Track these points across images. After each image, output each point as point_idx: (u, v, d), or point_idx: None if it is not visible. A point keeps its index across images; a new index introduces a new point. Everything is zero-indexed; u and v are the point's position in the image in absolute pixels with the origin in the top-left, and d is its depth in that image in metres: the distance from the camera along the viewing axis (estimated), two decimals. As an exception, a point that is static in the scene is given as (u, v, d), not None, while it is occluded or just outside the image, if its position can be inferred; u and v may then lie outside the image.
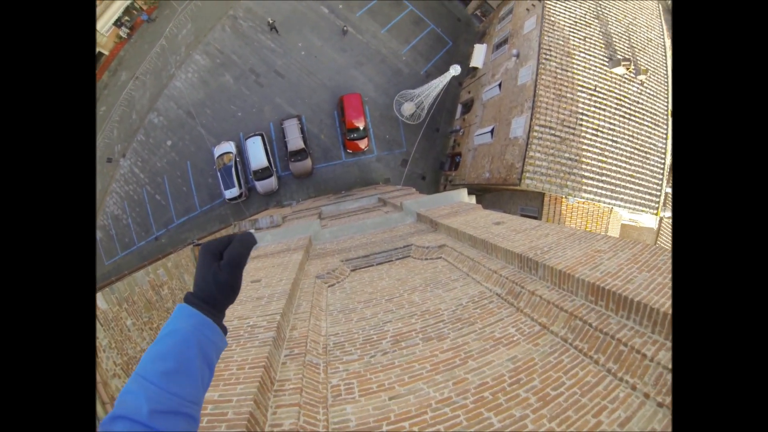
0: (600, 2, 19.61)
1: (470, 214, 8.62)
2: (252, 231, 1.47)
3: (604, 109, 17.25)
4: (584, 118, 16.89)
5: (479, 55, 23.48)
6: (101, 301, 8.64)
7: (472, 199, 10.39)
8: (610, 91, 17.63)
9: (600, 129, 16.98)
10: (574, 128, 16.73)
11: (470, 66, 23.73)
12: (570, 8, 18.85)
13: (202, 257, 1.29)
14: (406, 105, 24.44)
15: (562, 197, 16.77)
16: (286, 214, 14.38)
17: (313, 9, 26.71)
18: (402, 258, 7.35)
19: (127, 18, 27.04)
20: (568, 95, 17.10)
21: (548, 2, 18.70)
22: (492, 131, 19.45)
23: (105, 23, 25.74)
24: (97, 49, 26.17)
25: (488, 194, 20.83)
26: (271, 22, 25.23)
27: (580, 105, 17.01)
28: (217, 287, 1.23)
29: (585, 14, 19.00)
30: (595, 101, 17.25)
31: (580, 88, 17.25)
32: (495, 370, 4.01)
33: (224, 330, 1.29)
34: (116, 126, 25.93)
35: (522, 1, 21.40)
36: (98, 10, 25.30)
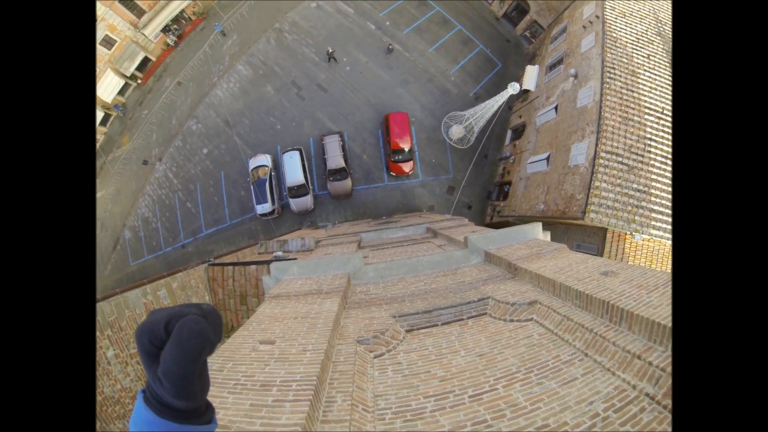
0: (660, 19, 17.69)
1: (558, 257, 6.26)
2: (204, 313, 0.87)
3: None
4: (653, 143, 14.51)
5: (531, 76, 21.25)
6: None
7: (547, 236, 8.02)
8: (679, 113, 15.19)
9: (669, 156, 14.51)
10: (642, 155, 14.31)
11: (522, 89, 21.49)
12: (631, 24, 16.96)
13: (140, 355, 0.87)
14: (455, 128, 22.21)
15: (627, 234, 14.15)
16: (319, 238, 12.27)
17: (359, 25, 25.28)
18: (476, 316, 5.05)
19: (175, 26, 26.35)
20: (635, 118, 14.80)
21: (608, 18, 16.67)
22: (548, 158, 17.01)
23: (153, 29, 24.99)
24: (144, 55, 25.50)
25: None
26: (330, 51, 23.66)
27: (648, 129, 14.68)
28: (167, 400, 0.86)
29: (646, 30, 17.01)
30: (664, 125, 14.93)
31: (647, 110, 14.97)
32: None
33: (207, 418, 0.94)
34: (155, 129, 24.93)
35: (576, 19, 19.35)
36: (147, 16, 24.69)
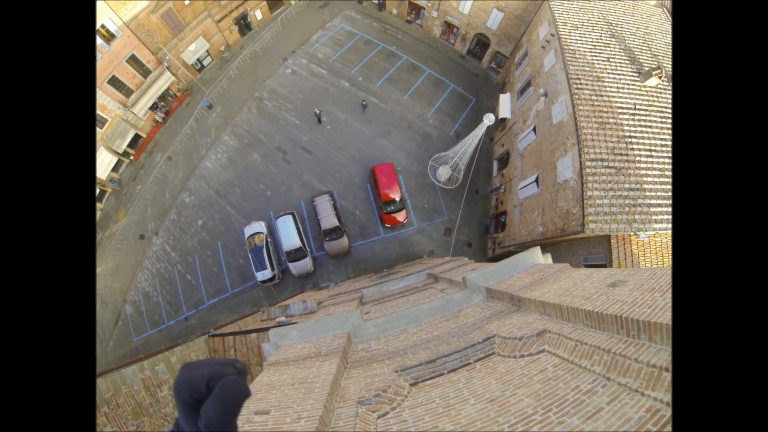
0: (610, 21, 18.49)
1: (561, 279, 5.96)
2: (239, 375, 1.01)
3: (650, 126, 15.08)
4: (633, 140, 14.63)
5: (505, 104, 21.75)
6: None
7: (548, 258, 7.74)
8: (650, 105, 15.64)
9: (653, 148, 14.64)
10: (626, 154, 14.37)
11: (498, 118, 21.92)
12: (584, 34, 17.67)
13: (177, 404, 1.00)
14: (441, 169, 22.34)
15: (631, 235, 13.83)
16: (321, 299, 11.90)
17: (334, 84, 26.23)
18: (484, 358, 4.68)
19: (162, 103, 27.29)
20: (611, 120, 15.03)
21: (563, 33, 17.40)
22: (537, 180, 17.01)
23: (142, 107, 25.80)
24: (135, 132, 26.17)
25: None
26: (317, 113, 24.35)
27: (626, 128, 14.85)
28: None
29: (600, 36, 17.73)
30: (639, 120, 15.19)
31: (619, 110, 15.25)
32: None
33: None
34: (150, 204, 25.06)
35: (534, 42, 20.17)
36: (135, 95, 25.52)
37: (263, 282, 21.08)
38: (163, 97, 27.25)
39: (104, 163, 25.19)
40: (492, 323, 5.37)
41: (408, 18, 28.84)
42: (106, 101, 24.33)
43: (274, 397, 4.21)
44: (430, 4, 26.48)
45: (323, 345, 5.71)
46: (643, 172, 13.99)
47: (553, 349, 4.42)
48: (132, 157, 26.98)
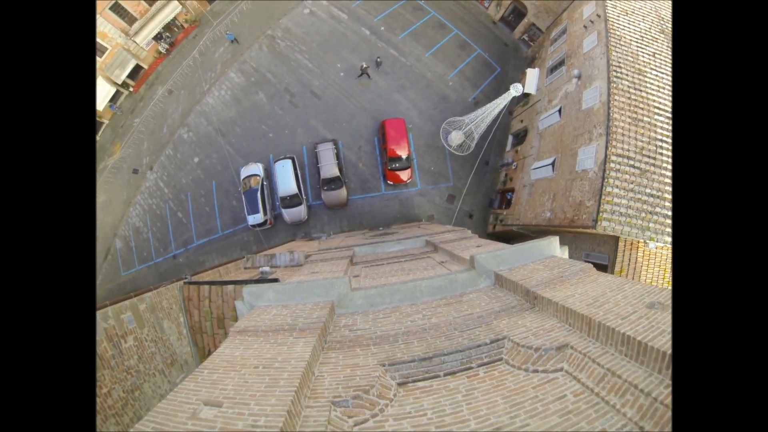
0: (662, 16, 16.75)
1: (586, 282, 5.09)
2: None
3: (684, 134, 13.74)
4: (664, 145, 13.36)
5: (532, 79, 20.21)
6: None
7: (565, 252, 6.86)
8: (688, 112, 14.21)
9: None
10: (654, 157, 13.13)
11: (522, 93, 20.43)
12: (633, 21, 16.00)
13: None
14: (454, 134, 21.03)
15: (640, 242, 13.01)
16: (310, 252, 11.08)
17: (353, 30, 24.36)
18: (489, 363, 3.88)
19: (167, 34, 25.40)
20: (645, 119, 13.65)
21: (611, 16, 15.77)
22: (553, 164, 15.91)
23: (145, 37, 24.03)
24: (136, 63, 24.54)
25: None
26: (364, 66, 22.31)
27: (659, 131, 13.51)
28: None
29: (650, 28, 16.07)
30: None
31: (656, 110, 13.82)
32: None
33: None
34: (146, 138, 23.87)
35: (576, 20, 18.46)
36: (138, 24, 23.73)
37: (254, 226, 20.36)
38: (168, 27, 25.35)
39: (101, 93, 23.68)
40: (501, 320, 4.53)
41: (442, -30, 26.44)
42: (106, 29, 22.63)
43: (231, 383, 3.40)
44: (468, -42, 24.17)
45: (301, 315, 4.89)
46: (667, 180, 12.85)
47: (574, 371, 3.60)
48: (131, 89, 25.47)
